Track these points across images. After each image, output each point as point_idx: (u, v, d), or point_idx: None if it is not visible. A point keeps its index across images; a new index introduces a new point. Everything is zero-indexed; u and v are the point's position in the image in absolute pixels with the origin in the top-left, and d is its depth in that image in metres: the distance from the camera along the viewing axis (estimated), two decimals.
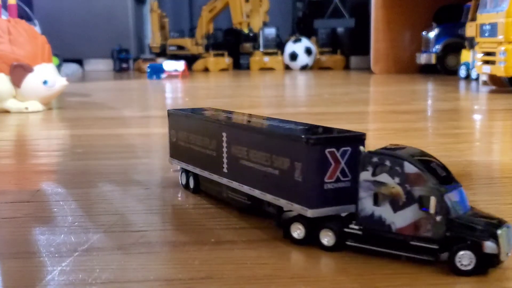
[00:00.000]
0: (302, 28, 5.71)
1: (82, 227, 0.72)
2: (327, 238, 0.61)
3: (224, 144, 0.75)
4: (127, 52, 5.19)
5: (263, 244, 0.65)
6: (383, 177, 0.57)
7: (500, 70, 2.51)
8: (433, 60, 3.93)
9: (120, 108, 2.22)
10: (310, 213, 0.60)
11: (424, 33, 4.06)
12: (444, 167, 0.58)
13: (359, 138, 0.62)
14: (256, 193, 0.69)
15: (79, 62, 5.49)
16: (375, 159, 0.58)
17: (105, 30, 5.37)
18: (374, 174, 0.58)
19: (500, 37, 2.48)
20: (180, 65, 4.22)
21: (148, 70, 4.03)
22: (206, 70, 5.10)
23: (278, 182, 0.65)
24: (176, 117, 0.89)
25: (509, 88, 2.71)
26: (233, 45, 5.38)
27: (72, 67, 5.03)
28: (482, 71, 2.71)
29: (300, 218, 0.63)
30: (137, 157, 1.22)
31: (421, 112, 2.00)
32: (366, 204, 0.59)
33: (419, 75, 4.09)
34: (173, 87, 3.40)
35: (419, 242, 0.56)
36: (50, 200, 0.86)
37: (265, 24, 5.27)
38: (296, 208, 0.63)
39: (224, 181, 0.76)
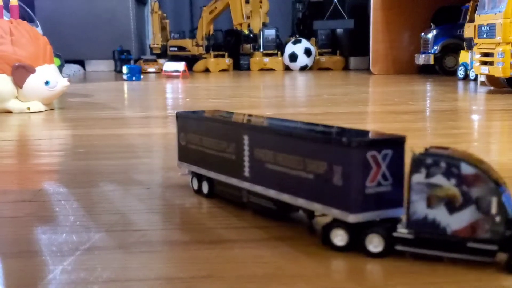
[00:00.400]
0: (302, 29, 5.71)
1: (84, 226, 0.72)
2: (374, 243, 0.59)
3: (246, 148, 0.73)
4: (128, 53, 5.19)
5: (263, 243, 0.65)
6: (438, 179, 0.56)
7: (498, 71, 2.52)
8: (431, 61, 3.94)
9: (121, 109, 2.23)
10: (351, 218, 0.58)
11: (422, 34, 4.07)
12: (492, 169, 0.58)
13: (400, 141, 0.60)
14: (285, 197, 0.67)
15: (81, 63, 5.50)
16: (428, 161, 0.56)
17: (107, 31, 5.38)
18: (427, 176, 0.56)
19: (498, 38, 2.49)
20: (181, 66, 4.23)
21: (126, 72, 3.95)
22: (206, 70, 5.11)
23: (312, 186, 0.63)
24: (186, 119, 0.86)
25: (507, 89, 2.71)
26: (233, 46, 5.39)
27: (74, 68, 5.03)
28: (480, 71, 2.72)
29: (342, 224, 0.60)
30: (138, 157, 1.23)
31: (420, 112, 2.00)
32: (418, 207, 0.57)
33: (417, 75, 4.09)
34: (174, 87, 3.41)
35: (477, 244, 0.55)
36: (52, 199, 0.87)
37: (265, 25, 5.27)
38: (334, 213, 0.61)
39: (246, 185, 0.73)
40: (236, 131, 0.74)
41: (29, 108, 2.09)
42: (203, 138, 0.81)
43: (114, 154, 1.26)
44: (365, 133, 0.64)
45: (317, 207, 0.63)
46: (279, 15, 5.92)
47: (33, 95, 2.09)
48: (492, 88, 2.82)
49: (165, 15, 5.62)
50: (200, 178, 0.85)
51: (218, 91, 3.16)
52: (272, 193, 0.69)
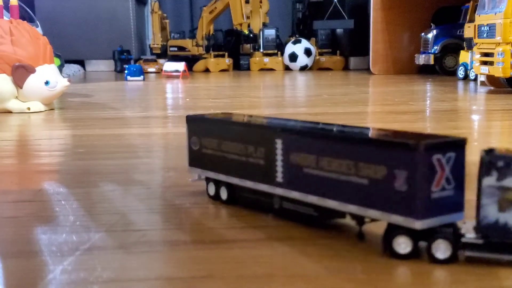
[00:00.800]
0: (302, 29, 5.72)
1: (84, 226, 0.73)
2: (441, 250, 0.57)
3: (279, 152, 0.70)
4: (128, 53, 5.20)
5: (263, 243, 0.65)
6: (510, 182, 0.54)
7: (498, 71, 2.52)
8: (431, 61, 3.94)
9: (121, 109, 2.23)
10: (418, 224, 0.56)
11: (422, 34, 4.07)
12: None
13: (462, 143, 0.58)
14: (330, 203, 0.64)
15: (81, 63, 5.50)
16: (500, 164, 0.54)
17: (107, 31, 5.38)
18: (499, 179, 0.55)
19: (498, 38, 2.49)
20: (181, 66, 4.23)
21: (126, 72, 4.02)
22: (206, 70, 5.11)
23: (367, 192, 0.60)
24: (199, 123, 0.81)
25: (507, 89, 2.71)
26: (233, 46, 5.39)
27: (74, 68, 5.03)
28: (480, 71, 2.72)
29: (404, 231, 0.58)
30: (138, 157, 1.23)
31: (420, 112, 2.01)
32: (490, 211, 0.55)
33: (417, 75, 4.10)
34: (174, 87, 3.41)
35: None
36: (52, 199, 0.87)
37: (265, 25, 5.28)
38: (396, 220, 0.58)
39: (278, 191, 0.70)
40: (266, 135, 0.71)
41: (29, 108, 2.09)
42: (223, 143, 0.78)
43: (114, 154, 1.26)
44: (421, 135, 0.61)
45: (373, 214, 0.60)
46: (279, 15, 5.93)
47: (33, 95, 2.09)
48: (492, 88, 2.83)
49: (165, 15, 5.62)
50: (217, 184, 0.81)
51: (218, 91, 3.16)
52: (313, 199, 0.66)
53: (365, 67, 4.92)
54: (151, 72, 4.94)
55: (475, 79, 3.22)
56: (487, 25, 2.58)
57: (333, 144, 0.63)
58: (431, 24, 4.03)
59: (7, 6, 2.42)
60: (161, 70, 4.55)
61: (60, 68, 3.46)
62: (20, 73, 2.06)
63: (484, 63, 2.65)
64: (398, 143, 0.57)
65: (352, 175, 0.61)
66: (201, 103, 2.41)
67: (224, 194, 0.81)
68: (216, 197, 0.82)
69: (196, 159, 0.83)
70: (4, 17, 2.27)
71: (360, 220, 0.63)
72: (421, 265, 0.58)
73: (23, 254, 0.63)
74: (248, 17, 5.10)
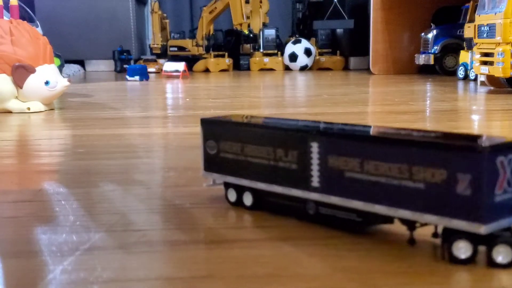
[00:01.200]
0: (302, 29, 5.72)
1: (84, 226, 0.73)
2: (502, 254, 0.56)
3: (315, 156, 0.67)
4: (128, 53, 5.20)
5: (263, 243, 0.65)
6: None
7: (498, 71, 2.52)
8: (431, 61, 3.94)
9: (121, 109, 2.23)
10: (484, 229, 0.54)
11: (422, 34, 4.07)
12: None
13: None
14: (379, 208, 0.62)
15: (81, 63, 5.50)
16: None
17: (107, 31, 5.38)
18: None
19: (498, 38, 2.49)
20: (181, 66, 4.23)
21: (132, 73, 4.02)
22: (206, 70, 5.11)
23: (423, 196, 0.58)
24: (217, 126, 0.78)
25: (507, 89, 2.72)
26: (233, 46, 5.39)
27: (74, 68, 5.04)
28: (480, 71, 2.72)
29: (464, 235, 0.57)
30: (138, 157, 1.23)
31: (420, 112, 2.01)
32: None
33: (417, 75, 4.10)
34: (174, 87, 3.41)
35: None
36: (52, 199, 0.87)
37: (265, 25, 5.28)
38: (458, 225, 0.56)
39: (314, 196, 0.68)
40: (299, 138, 0.68)
41: (29, 108, 2.09)
42: (247, 146, 0.74)
43: (114, 154, 1.26)
44: (474, 137, 0.59)
45: (429, 218, 0.58)
46: (279, 15, 5.93)
47: (33, 95, 2.09)
48: (492, 88, 2.83)
49: (165, 15, 5.62)
50: (239, 189, 0.78)
51: (218, 91, 3.16)
52: (358, 204, 0.64)
53: (365, 67, 4.92)
54: (151, 72, 4.94)
55: (475, 79, 3.22)
56: (487, 25, 2.58)
57: (381, 147, 0.61)
58: (431, 24, 4.03)
59: (7, 6, 2.42)
60: (161, 70, 4.55)
61: (60, 68, 3.46)
62: (20, 73, 2.06)
63: (484, 63, 2.65)
64: (461, 146, 0.56)
65: (405, 179, 0.59)
66: (201, 103, 2.41)
67: (248, 200, 0.77)
68: (238, 203, 0.79)
69: (213, 163, 0.79)
70: (4, 17, 2.27)
71: (411, 225, 0.62)
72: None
73: (23, 254, 0.63)
74: (248, 17, 5.10)
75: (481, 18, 2.65)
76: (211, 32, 5.37)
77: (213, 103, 2.41)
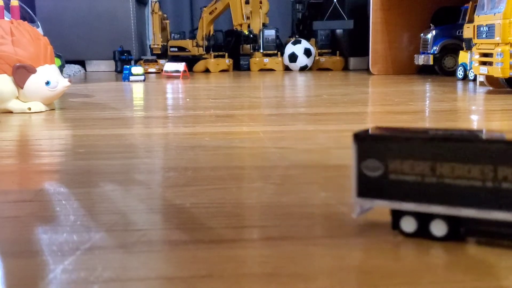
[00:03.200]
0: (302, 30, 5.72)
1: (84, 226, 0.73)
2: None
3: None
4: (129, 53, 5.20)
5: (263, 243, 0.65)
6: None
7: (497, 71, 2.52)
8: (431, 61, 3.94)
9: (122, 109, 2.23)
10: None
11: (422, 34, 4.08)
12: None
13: None
14: None
15: (81, 63, 5.50)
16: None
17: (107, 32, 5.39)
18: None
19: (497, 39, 2.49)
20: (181, 66, 4.24)
21: (126, 72, 4.03)
22: (206, 71, 5.11)
23: None
24: (384, 142, 0.65)
25: (506, 89, 2.72)
26: (234, 46, 5.40)
27: (74, 68, 5.04)
28: (480, 72, 2.73)
29: None
30: (138, 157, 1.23)
31: (419, 112, 2.01)
32: None
33: (417, 76, 4.10)
34: (174, 88, 3.41)
35: None
36: (53, 199, 0.87)
37: (265, 26, 5.28)
38: None
39: None
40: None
41: (29, 108, 2.10)
42: (442, 165, 0.62)
43: (115, 154, 1.26)
44: None
45: None
46: (279, 15, 5.93)
47: (34, 95, 2.10)
48: (491, 88, 2.83)
49: (165, 15, 5.63)
50: (424, 217, 0.65)
51: (218, 91, 3.16)
52: None
53: (365, 68, 4.92)
54: (151, 73, 4.94)
55: (474, 80, 3.23)
56: (486, 25, 2.59)
57: None
58: (431, 24, 4.03)
59: (7, 7, 2.42)
60: (162, 70, 4.55)
61: (61, 68, 3.46)
62: (20, 73, 2.06)
63: (483, 63, 2.66)
64: None
65: None
66: (201, 103, 2.41)
67: (439, 230, 0.64)
68: (420, 234, 0.65)
69: (375, 188, 0.66)
70: (5, 18, 2.27)
71: None
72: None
73: (24, 254, 0.64)
74: (248, 18, 5.10)
75: (480, 19, 2.66)
76: (211, 33, 5.37)
77: (213, 103, 2.41)
